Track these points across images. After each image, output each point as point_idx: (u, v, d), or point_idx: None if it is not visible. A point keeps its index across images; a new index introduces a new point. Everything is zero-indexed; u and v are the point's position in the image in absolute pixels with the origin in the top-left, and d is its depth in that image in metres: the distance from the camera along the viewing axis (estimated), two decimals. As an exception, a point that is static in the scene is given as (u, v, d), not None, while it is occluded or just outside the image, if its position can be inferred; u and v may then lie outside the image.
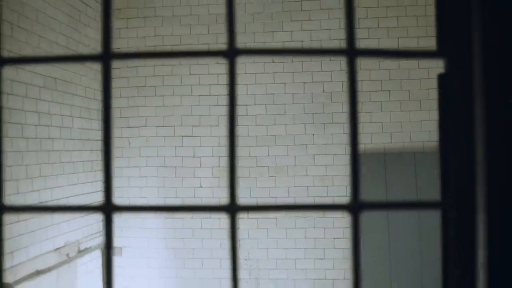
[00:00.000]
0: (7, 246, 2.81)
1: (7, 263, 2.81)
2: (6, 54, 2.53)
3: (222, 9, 3.91)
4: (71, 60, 0.53)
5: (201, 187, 3.91)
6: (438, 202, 0.51)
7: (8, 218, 2.71)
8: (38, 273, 3.14)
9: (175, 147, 3.99)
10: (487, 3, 0.52)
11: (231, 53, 0.49)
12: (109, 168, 0.51)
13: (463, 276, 0.51)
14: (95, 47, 3.78)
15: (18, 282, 2.88)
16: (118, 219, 3.95)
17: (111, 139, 0.51)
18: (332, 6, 3.89)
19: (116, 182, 3.94)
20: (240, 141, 3.93)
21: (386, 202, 0.49)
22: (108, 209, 0.51)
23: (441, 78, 0.56)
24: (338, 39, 3.86)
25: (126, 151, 4.00)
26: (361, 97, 3.83)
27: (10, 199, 2.69)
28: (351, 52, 0.49)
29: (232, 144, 0.50)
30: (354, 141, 0.48)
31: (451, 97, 0.53)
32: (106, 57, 0.51)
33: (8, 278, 2.86)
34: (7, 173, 2.67)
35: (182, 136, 3.96)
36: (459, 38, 0.54)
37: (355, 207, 0.49)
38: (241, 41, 3.84)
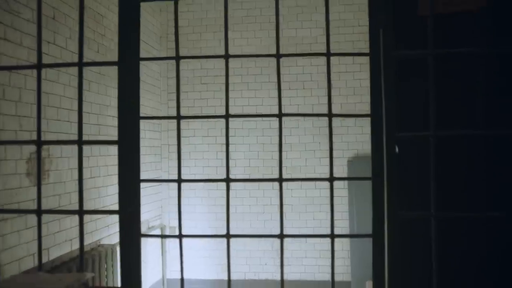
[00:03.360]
0: (113, 219, 4.16)
1: (99, 235, 4.16)
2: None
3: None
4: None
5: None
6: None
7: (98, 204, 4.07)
8: (126, 240, 4.49)
9: (216, 152, 5.35)
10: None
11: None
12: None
13: None
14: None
15: (117, 244, 4.23)
16: (175, 207, 5.32)
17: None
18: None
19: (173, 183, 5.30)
20: (265, 148, 5.27)
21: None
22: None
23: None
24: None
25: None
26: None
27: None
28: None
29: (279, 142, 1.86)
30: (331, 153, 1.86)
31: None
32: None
33: (111, 241, 4.22)
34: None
35: (222, 144, 5.31)
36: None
37: (331, 180, 1.83)
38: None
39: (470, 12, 2.37)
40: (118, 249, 4.12)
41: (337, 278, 5.01)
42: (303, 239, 5.26)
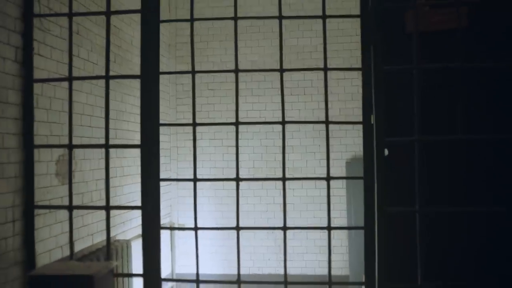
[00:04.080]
0: (123, 217, 4.48)
1: (115, 231, 4.48)
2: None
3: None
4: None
5: (242, 182, 5.58)
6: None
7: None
8: (139, 236, 4.81)
9: (222, 154, 5.68)
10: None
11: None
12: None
13: None
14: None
15: (131, 239, 4.55)
16: (184, 205, 5.64)
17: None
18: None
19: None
20: (268, 150, 5.60)
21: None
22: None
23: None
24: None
25: (188, 157, 5.71)
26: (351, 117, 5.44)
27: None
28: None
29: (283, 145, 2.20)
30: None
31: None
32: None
33: (126, 237, 4.54)
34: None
35: (228, 146, 5.63)
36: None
37: (327, 179, 2.17)
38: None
39: (454, 30, 2.70)
40: (132, 244, 4.45)
41: (337, 272, 5.33)
42: (304, 236, 5.58)
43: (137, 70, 4.75)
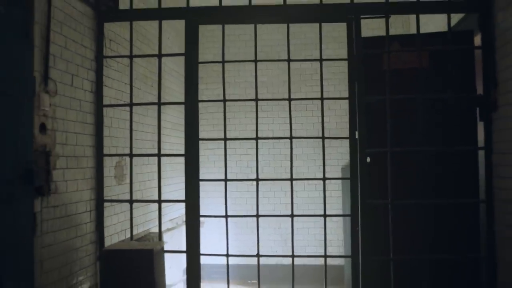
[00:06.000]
0: (149, 216, 5.39)
1: (149, 225, 5.39)
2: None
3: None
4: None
5: (252, 185, 6.52)
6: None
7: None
8: (168, 230, 5.74)
9: (236, 161, 6.62)
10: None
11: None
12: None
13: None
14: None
15: (163, 232, 5.46)
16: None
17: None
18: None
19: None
20: (275, 158, 6.54)
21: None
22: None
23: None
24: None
25: (206, 163, 6.65)
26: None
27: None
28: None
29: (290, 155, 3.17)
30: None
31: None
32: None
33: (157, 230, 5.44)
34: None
35: (240, 154, 6.58)
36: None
37: (324, 179, 3.14)
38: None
39: (419, 68, 3.63)
40: (163, 235, 5.37)
41: (333, 262, 6.24)
42: (305, 232, 6.50)
43: (168, 92, 5.71)
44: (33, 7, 2.88)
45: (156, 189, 5.40)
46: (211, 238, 6.39)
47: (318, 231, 6.47)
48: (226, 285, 3.77)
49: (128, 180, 4.45)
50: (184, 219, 6.41)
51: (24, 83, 2.77)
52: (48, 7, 3.03)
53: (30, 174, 2.73)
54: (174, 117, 5.96)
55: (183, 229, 6.18)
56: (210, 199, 6.44)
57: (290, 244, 6.24)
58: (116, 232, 4.17)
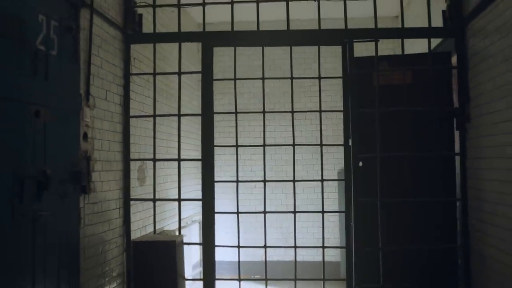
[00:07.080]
0: (164, 215, 5.94)
1: (163, 224, 5.94)
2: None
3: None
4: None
5: (255, 187, 7.08)
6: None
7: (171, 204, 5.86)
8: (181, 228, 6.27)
9: (241, 166, 7.16)
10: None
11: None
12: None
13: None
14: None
15: (175, 230, 6.00)
16: (209, 205, 7.12)
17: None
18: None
19: (207, 185, 7.10)
20: (277, 163, 7.11)
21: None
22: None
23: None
24: (330, 106, 7.03)
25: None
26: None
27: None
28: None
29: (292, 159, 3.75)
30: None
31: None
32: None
33: (170, 228, 5.99)
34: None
35: (244, 160, 7.14)
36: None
37: (322, 180, 3.70)
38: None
39: (404, 85, 4.19)
40: (176, 233, 5.90)
41: (331, 259, 6.78)
42: (305, 231, 7.07)
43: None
44: (79, 37, 3.44)
45: (171, 190, 5.97)
46: (218, 236, 6.92)
47: (316, 230, 7.03)
48: (237, 276, 4.30)
49: (148, 182, 5.00)
50: (193, 219, 6.97)
51: (73, 100, 3.33)
52: (89, 35, 3.60)
53: (78, 175, 3.29)
54: (183, 125, 6.51)
55: (192, 228, 6.75)
56: (217, 201, 6.97)
57: (291, 242, 6.82)
58: (138, 228, 4.71)
